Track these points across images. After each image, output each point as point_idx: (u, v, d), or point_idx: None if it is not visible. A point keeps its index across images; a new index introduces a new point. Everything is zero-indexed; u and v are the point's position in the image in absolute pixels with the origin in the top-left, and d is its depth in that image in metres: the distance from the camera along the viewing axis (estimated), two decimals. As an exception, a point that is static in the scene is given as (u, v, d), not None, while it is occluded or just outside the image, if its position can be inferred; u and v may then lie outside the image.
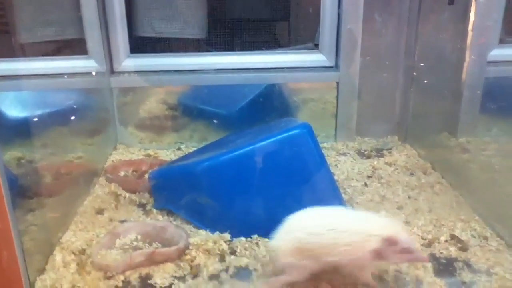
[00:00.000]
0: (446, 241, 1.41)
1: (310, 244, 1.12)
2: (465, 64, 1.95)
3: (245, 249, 1.39)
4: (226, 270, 1.30)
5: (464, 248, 1.38)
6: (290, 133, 1.48)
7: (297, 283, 1.17)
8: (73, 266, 1.31)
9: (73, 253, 1.37)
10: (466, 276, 1.26)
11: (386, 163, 1.98)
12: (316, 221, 1.15)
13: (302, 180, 1.46)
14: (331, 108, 2.23)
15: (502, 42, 2.03)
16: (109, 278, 1.27)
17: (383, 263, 1.10)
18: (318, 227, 1.12)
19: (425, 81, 2.15)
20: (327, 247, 1.10)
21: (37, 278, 1.26)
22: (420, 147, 2.13)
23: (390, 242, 1.04)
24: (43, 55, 2.12)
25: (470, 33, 1.91)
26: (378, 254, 1.06)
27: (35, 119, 1.93)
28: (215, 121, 2.16)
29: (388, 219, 1.15)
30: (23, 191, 1.51)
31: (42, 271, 1.30)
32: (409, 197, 1.70)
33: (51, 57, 2.12)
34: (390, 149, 2.16)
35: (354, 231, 1.10)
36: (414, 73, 2.14)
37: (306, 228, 1.14)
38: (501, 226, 1.47)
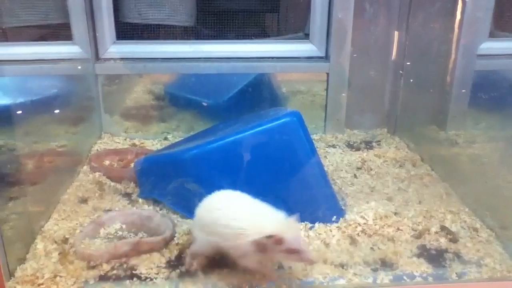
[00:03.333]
0: (436, 232, 1.40)
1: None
2: (455, 57, 1.94)
3: (233, 239, 1.36)
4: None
5: (454, 239, 1.37)
6: (279, 121, 1.45)
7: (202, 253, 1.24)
8: (55, 255, 1.27)
9: (56, 242, 1.34)
10: (457, 267, 1.26)
11: (376, 155, 1.97)
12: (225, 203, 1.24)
13: (292, 169, 1.44)
14: (320, 100, 2.20)
15: (491, 35, 2.03)
16: (92, 267, 1.23)
17: (268, 256, 1.14)
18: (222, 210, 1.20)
19: (415, 74, 2.14)
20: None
21: (18, 268, 1.22)
22: (409, 139, 2.12)
23: (276, 241, 1.09)
24: (26, 40, 2.05)
25: (460, 26, 1.90)
26: (260, 248, 1.11)
27: (17, 106, 1.87)
28: (204, 103, 2.12)
29: (285, 219, 1.15)
30: (4, 179, 1.46)
31: (23, 260, 1.26)
32: (398, 189, 1.69)
33: (35, 42, 2.05)
34: (379, 141, 2.14)
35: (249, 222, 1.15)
36: (405, 64, 2.12)
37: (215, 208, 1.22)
38: (490, 217, 1.46)
